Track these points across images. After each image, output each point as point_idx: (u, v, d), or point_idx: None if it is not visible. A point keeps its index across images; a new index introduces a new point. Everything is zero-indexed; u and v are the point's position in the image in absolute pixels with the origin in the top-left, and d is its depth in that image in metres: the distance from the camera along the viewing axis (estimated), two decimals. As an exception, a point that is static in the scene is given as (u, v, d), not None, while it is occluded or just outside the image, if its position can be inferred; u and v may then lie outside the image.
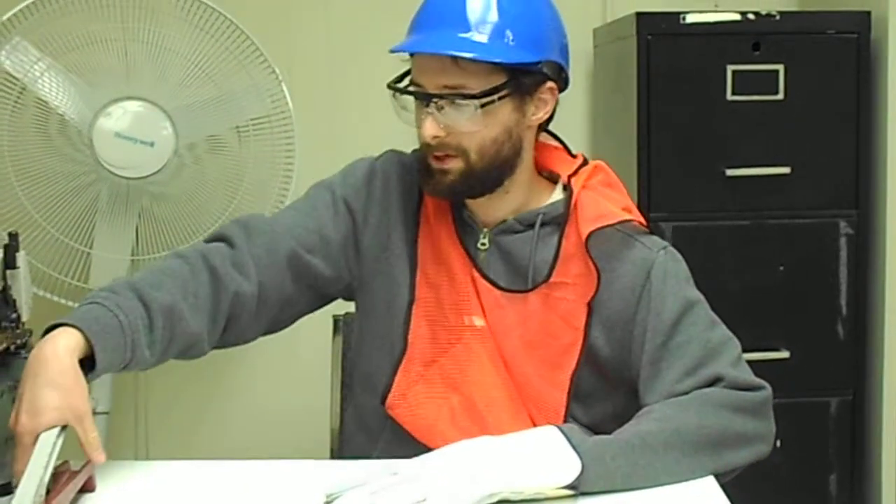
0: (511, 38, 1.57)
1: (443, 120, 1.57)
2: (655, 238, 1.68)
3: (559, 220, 1.66)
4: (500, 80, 1.57)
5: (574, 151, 1.76)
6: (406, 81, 1.65)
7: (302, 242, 1.68)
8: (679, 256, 1.67)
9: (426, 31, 1.60)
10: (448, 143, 1.58)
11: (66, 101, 2.45)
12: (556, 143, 1.76)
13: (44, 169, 2.49)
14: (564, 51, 1.66)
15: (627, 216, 1.65)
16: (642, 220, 1.68)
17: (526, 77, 1.59)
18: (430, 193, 1.66)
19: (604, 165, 1.73)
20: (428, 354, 1.66)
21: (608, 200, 1.66)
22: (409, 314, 1.67)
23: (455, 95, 1.56)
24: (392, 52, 1.62)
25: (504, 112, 1.59)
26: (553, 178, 1.71)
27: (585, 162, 1.72)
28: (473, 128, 1.57)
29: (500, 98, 1.57)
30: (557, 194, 1.69)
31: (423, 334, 1.67)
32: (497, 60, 1.56)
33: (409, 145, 1.74)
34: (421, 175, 1.65)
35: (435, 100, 1.57)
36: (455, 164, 1.59)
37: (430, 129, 1.57)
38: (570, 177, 1.68)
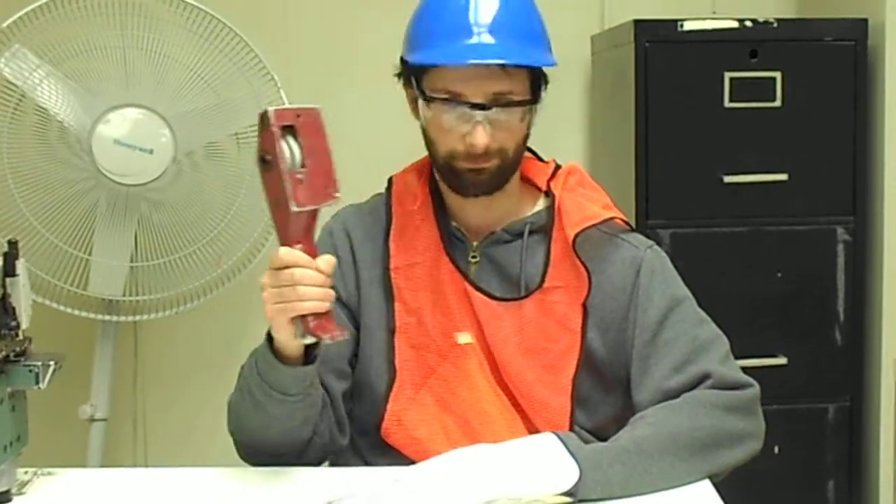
0: (530, 39, 1.62)
1: (492, 127, 1.58)
2: (640, 236, 1.70)
3: (546, 227, 1.67)
4: (528, 82, 1.61)
5: (569, 159, 1.78)
6: (426, 91, 1.62)
7: (333, 369, 1.67)
8: (664, 254, 1.69)
9: (451, 39, 1.58)
10: (492, 148, 1.59)
11: (65, 109, 2.46)
12: (527, 153, 1.77)
13: (43, 176, 2.50)
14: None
15: (610, 214, 1.67)
16: (623, 216, 1.70)
17: (542, 79, 1.64)
18: (464, 193, 1.65)
19: (578, 166, 1.75)
20: (417, 377, 1.66)
21: (588, 201, 1.68)
22: (393, 343, 1.67)
23: (507, 102, 1.58)
24: (429, 64, 1.59)
25: (532, 114, 1.64)
26: (534, 187, 1.73)
27: (559, 166, 1.74)
28: (517, 131, 1.61)
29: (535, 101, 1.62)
30: (541, 203, 1.71)
31: (409, 359, 1.67)
32: (545, 63, 1.61)
33: (407, 150, 1.75)
34: (448, 177, 1.64)
35: (488, 109, 1.57)
36: (489, 164, 1.60)
37: (483, 138, 1.57)
38: (548, 181, 1.70)
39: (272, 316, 1.44)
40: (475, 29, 1.58)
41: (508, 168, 1.63)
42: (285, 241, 1.43)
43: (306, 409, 1.57)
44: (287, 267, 1.41)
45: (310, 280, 1.41)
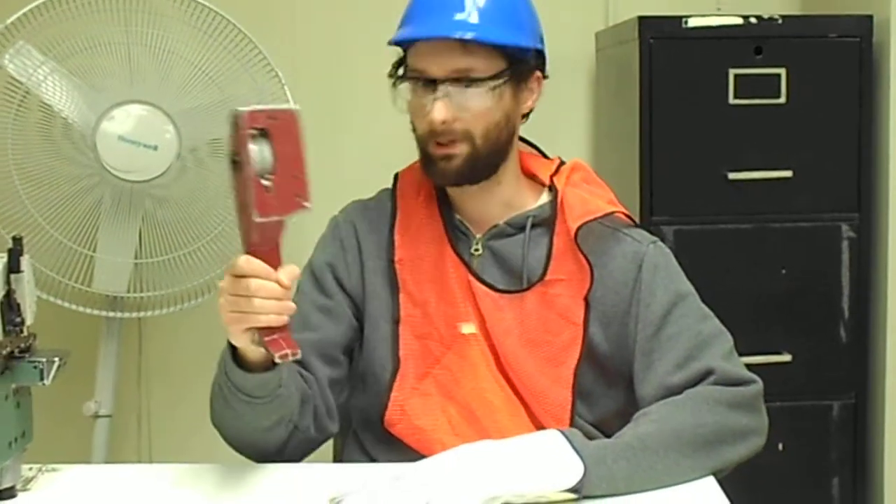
0: (508, 23, 1.62)
1: (451, 104, 1.58)
2: (643, 231, 1.71)
3: (549, 221, 1.68)
4: (501, 64, 1.61)
5: (574, 155, 1.79)
6: (401, 71, 1.66)
7: (322, 355, 1.68)
8: (667, 250, 1.69)
9: (427, 17, 1.62)
10: (454, 128, 1.60)
11: (69, 105, 2.46)
12: (532, 150, 1.78)
13: (47, 172, 2.50)
14: (543, 41, 1.70)
15: (612, 208, 1.68)
16: (626, 211, 1.71)
17: (521, 64, 1.63)
18: (437, 180, 1.67)
19: (582, 163, 1.76)
20: (421, 367, 1.67)
21: (592, 196, 1.69)
22: (397, 333, 1.68)
23: (466, 79, 1.58)
24: (397, 42, 1.64)
25: (506, 97, 1.62)
26: (538, 183, 1.73)
27: (563, 163, 1.75)
28: (482, 111, 1.60)
29: (504, 82, 1.60)
30: (545, 197, 1.72)
31: (413, 350, 1.67)
32: (508, 42, 1.60)
33: (411, 148, 1.75)
34: (424, 165, 1.66)
35: (446, 84, 1.58)
36: (460, 149, 1.61)
37: (440, 112, 1.58)
38: (552, 176, 1.71)
39: (227, 323, 1.41)
40: (441, 7, 1.61)
41: (481, 157, 1.62)
42: (248, 249, 1.37)
43: (278, 409, 1.55)
44: (246, 276, 1.37)
45: (267, 293, 1.37)
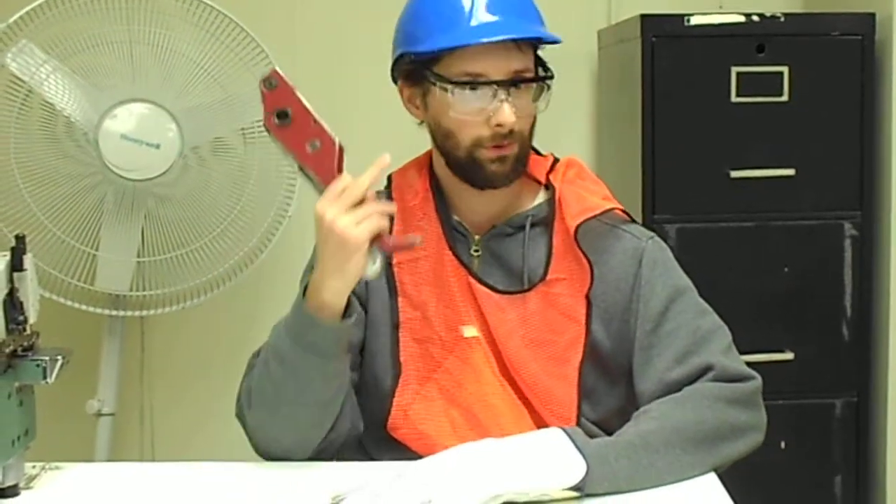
0: (541, 20, 1.66)
1: (513, 105, 1.59)
2: (640, 227, 1.71)
3: (547, 220, 1.67)
4: (535, 64, 1.64)
5: (576, 154, 1.79)
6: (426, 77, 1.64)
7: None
8: (664, 244, 1.69)
9: (465, 21, 1.59)
10: (515, 129, 1.60)
11: (71, 104, 2.46)
12: None
13: (50, 171, 2.50)
14: None
15: (610, 205, 1.68)
16: (622, 207, 1.70)
17: (544, 65, 1.66)
18: (488, 184, 1.64)
19: (576, 159, 1.76)
20: (422, 372, 1.66)
21: (587, 192, 1.69)
22: (397, 337, 1.67)
23: (522, 80, 1.60)
24: (452, 47, 1.59)
25: (538, 98, 1.65)
26: (534, 181, 1.73)
27: (556, 160, 1.75)
28: (530, 112, 1.63)
29: (542, 82, 1.64)
30: (542, 196, 1.71)
31: (414, 354, 1.66)
32: (559, 40, 1.64)
33: (411, 147, 1.75)
34: (467, 170, 1.64)
35: (518, 85, 1.59)
36: (511, 151, 1.62)
37: (511, 115, 1.58)
38: (547, 174, 1.71)
39: (361, 240, 1.46)
40: (480, 9, 1.60)
41: (524, 155, 1.65)
42: (330, 179, 1.49)
43: (343, 371, 1.57)
44: (348, 188, 1.47)
45: (373, 196, 1.49)
